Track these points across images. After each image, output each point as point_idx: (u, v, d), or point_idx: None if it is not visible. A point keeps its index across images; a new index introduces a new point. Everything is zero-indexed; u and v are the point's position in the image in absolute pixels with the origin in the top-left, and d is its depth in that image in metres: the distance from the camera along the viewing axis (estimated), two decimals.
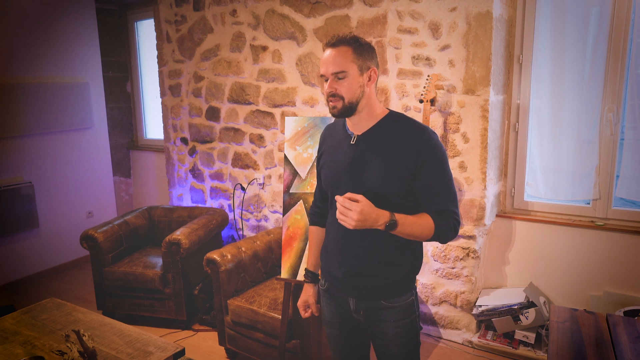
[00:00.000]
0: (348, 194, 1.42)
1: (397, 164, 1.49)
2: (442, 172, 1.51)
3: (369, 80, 1.53)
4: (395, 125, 1.54)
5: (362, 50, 1.50)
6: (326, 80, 1.52)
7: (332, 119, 1.89)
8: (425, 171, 1.48)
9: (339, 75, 1.48)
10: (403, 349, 1.63)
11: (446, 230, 1.49)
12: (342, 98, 1.49)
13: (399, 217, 1.43)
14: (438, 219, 1.48)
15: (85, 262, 4.31)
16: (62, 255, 4.27)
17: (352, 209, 1.38)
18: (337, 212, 1.42)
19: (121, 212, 4.88)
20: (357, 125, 1.57)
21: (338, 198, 1.42)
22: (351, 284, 1.61)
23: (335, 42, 1.49)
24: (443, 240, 1.52)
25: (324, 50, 1.53)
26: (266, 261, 3.02)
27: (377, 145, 1.53)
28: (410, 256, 1.60)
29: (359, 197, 1.40)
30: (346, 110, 1.51)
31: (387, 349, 1.64)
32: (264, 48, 3.46)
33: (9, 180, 3.83)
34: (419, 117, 2.81)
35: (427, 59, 2.80)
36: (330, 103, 1.52)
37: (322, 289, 1.76)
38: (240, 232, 3.90)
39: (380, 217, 1.41)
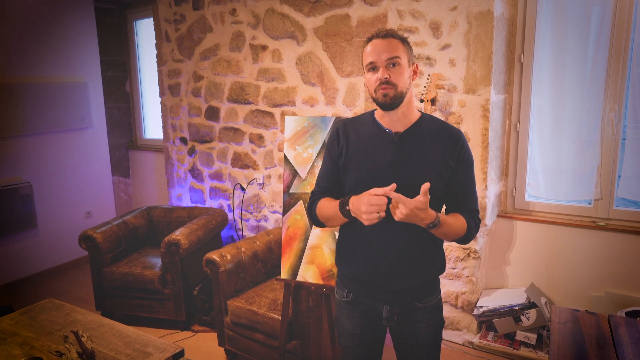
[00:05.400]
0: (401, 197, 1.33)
1: (439, 164, 1.51)
2: (472, 173, 1.58)
3: (414, 74, 1.54)
4: (433, 125, 1.55)
5: (408, 44, 1.52)
6: (371, 70, 1.49)
7: (332, 118, 1.87)
8: (461, 172, 1.54)
9: (393, 62, 1.46)
10: (432, 347, 1.65)
11: (474, 229, 1.55)
12: (395, 86, 1.46)
13: (442, 217, 1.45)
14: (469, 219, 1.54)
15: (84, 262, 4.29)
16: (61, 255, 4.25)
17: (407, 204, 1.32)
18: (393, 201, 1.34)
19: (120, 212, 4.87)
20: (395, 123, 1.53)
21: (392, 193, 1.32)
22: (386, 289, 1.57)
23: (385, 34, 1.48)
24: (467, 240, 1.55)
25: (366, 43, 1.51)
26: (266, 261, 3.00)
27: (419, 144, 1.52)
28: (440, 254, 1.63)
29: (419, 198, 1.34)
30: (396, 99, 1.47)
31: (416, 348, 1.64)
32: (264, 47, 3.45)
33: (7, 180, 3.81)
34: None
35: (428, 58, 2.79)
36: (381, 91, 1.46)
37: (343, 300, 1.68)
38: (240, 233, 3.88)
39: (428, 215, 1.39)
